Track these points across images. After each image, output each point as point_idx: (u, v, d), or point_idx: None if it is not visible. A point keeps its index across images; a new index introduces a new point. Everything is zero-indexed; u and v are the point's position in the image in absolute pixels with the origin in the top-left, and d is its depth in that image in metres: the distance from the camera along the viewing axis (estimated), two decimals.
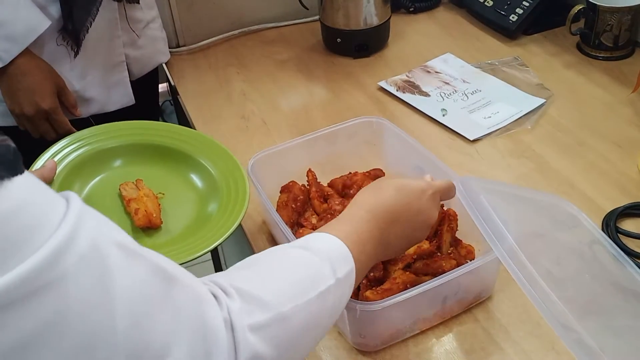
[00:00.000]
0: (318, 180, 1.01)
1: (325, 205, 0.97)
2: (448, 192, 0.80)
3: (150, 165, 1.02)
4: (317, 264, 0.63)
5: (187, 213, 0.96)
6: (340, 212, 0.93)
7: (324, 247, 0.65)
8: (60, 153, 0.97)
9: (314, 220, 0.95)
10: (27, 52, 1.15)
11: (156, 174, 1.01)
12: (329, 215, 0.93)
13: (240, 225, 0.93)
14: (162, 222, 0.93)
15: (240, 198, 0.94)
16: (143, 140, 1.04)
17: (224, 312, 0.53)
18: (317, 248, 0.64)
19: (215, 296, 0.54)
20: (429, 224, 0.78)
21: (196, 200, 0.98)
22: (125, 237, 0.48)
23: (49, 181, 0.89)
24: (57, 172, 0.93)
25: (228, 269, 0.62)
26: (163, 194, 0.98)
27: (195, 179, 1.01)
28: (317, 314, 0.61)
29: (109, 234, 0.46)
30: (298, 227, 0.95)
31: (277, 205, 0.97)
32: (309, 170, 1.00)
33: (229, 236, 0.88)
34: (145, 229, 0.92)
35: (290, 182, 0.99)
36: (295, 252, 0.64)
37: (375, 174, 1.01)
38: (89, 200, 0.94)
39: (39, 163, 0.93)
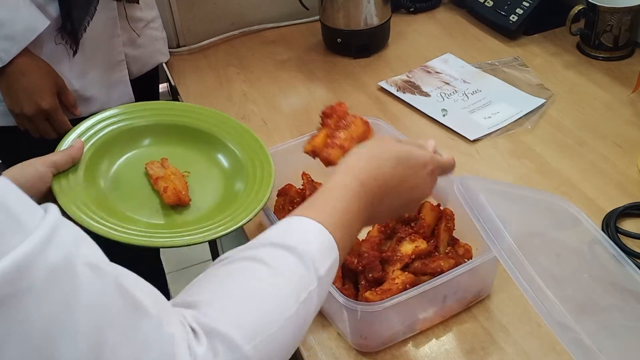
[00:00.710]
0: (314, 182, 1.00)
1: None
2: (447, 169, 0.77)
3: (175, 145, 1.02)
4: (298, 270, 0.58)
5: (214, 191, 0.97)
6: None
7: (305, 243, 0.59)
8: (88, 132, 0.97)
9: None
10: (26, 51, 1.15)
11: (181, 153, 1.01)
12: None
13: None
14: (190, 200, 0.94)
15: (265, 176, 0.95)
16: (170, 120, 1.04)
17: (192, 358, 0.49)
18: (296, 245, 0.59)
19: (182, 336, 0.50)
20: (421, 200, 0.75)
21: (222, 178, 0.99)
22: (100, 258, 0.45)
23: (77, 160, 0.89)
24: (84, 150, 0.92)
25: (198, 286, 0.57)
26: (189, 172, 0.98)
27: (221, 159, 1.02)
28: (298, 326, 0.57)
29: (83, 251, 0.44)
30: None
31: (275, 209, 0.98)
32: (303, 173, 1.00)
33: (258, 212, 0.89)
34: (175, 206, 0.92)
35: (287, 185, 0.99)
36: (274, 254, 0.58)
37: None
38: (117, 179, 0.94)
39: (66, 142, 0.93)
